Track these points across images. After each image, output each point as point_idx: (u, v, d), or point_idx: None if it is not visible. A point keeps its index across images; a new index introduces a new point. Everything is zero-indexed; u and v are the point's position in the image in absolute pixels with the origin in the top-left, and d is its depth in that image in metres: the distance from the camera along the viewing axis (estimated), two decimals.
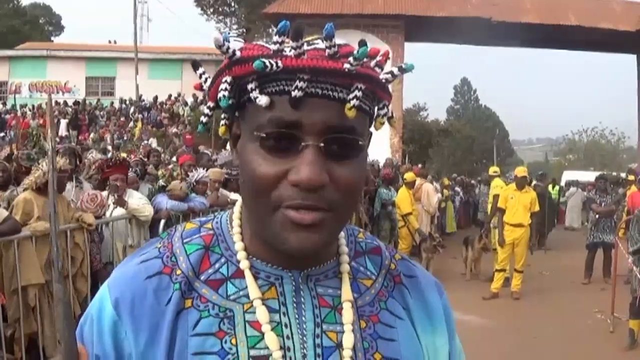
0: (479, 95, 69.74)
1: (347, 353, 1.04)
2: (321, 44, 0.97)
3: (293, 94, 0.94)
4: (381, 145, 21.89)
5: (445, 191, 19.28)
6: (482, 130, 59.33)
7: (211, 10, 40.67)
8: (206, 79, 1.06)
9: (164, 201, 7.70)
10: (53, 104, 1.21)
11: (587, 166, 47.66)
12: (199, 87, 1.07)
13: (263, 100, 0.95)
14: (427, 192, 13.07)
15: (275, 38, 0.96)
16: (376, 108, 1.05)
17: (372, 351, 1.07)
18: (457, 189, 22.08)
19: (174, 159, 12.90)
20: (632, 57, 28.17)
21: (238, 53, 0.97)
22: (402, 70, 1.01)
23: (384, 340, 1.09)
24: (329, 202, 0.97)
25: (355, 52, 0.94)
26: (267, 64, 0.93)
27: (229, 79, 0.98)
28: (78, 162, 8.67)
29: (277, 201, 0.97)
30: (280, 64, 0.94)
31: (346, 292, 1.09)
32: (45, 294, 5.81)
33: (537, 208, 10.93)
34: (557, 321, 8.95)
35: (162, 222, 7.43)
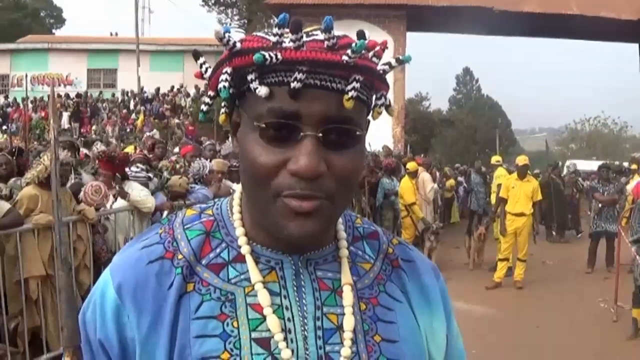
0: (481, 84, 69.58)
1: (347, 335, 1.05)
2: (320, 35, 0.98)
3: (292, 85, 0.95)
4: (383, 135, 21.85)
5: (450, 181, 19.25)
6: (485, 119, 59.17)
7: (212, 1, 40.67)
8: (206, 69, 1.07)
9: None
10: (55, 96, 1.21)
11: (590, 155, 47.56)
12: (200, 76, 1.08)
13: (263, 91, 0.96)
14: (423, 181, 13.04)
15: (275, 30, 0.98)
16: (374, 98, 1.06)
17: (372, 333, 1.09)
18: (460, 178, 22.02)
19: (176, 149, 12.90)
20: (634, 46, 28.13)
21: (238, 45, 0.99)
22: (400, 62, 1.03)
23: (383, 322, 1.11)
24: (326, 191, 0.98)
25: (353, 45, 0.95)
26: (267, 56, 0.94)
27: (229, 70, 1.00)
28: (77, 155, 8.68)
29: (277, 190, 0.98)
30: (279, 56, 0.95)
31: (346, 275, 1.10)
32: (48, 287, 5.83)
33: (539, 197, 10.93)
34: (560, 310, 8.96)
35: (165, 213, 7.42)
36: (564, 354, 7.32)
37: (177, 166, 8.93)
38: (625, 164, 18.83)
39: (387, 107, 1.08)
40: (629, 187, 12.09)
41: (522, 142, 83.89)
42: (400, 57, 1.03)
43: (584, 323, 8.37)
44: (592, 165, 28.92)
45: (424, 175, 13.29)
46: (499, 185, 11.60)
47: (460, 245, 13.23)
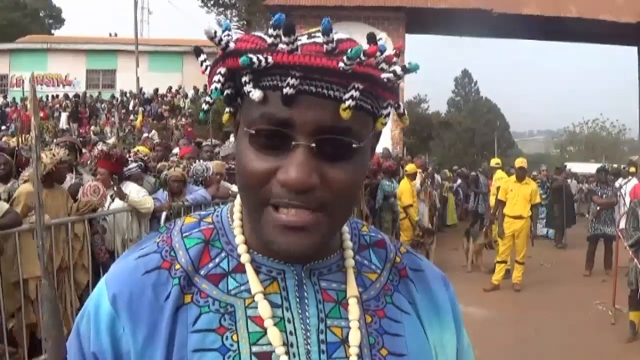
0: (479, 87, 69.54)
1: (353, 350, 1.01)
2: (321, 38, 0.93)
3: (284, 91, 0.90)
4: (382, 138, 21.74)
5: (445, 183, 19.26)
6: (483, 122, 59.20)
7: (211, 2, 40.59)
8: (207, 67, 1.02)
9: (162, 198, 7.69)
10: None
11: (588, 158, 47.56)
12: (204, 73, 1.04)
13: (256, 94, 0.92)
14: None
15: (271, 31, 0.93)
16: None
17: (378, 347, 1.05)
18: (459, 181, 22.01)
19: (176, 150, 12.89)
20: (633, 49, 28.11)
21: (232, 45, 0.95)
22: (406, 71, 0.96)
23: (390, 335, 1.07)
24: (319, 203, 0.94)
25: (348, 51, 0.89)
26: (255, 60, 0.90)
27: (222, 70, 0.96)
28: (78, 155, 8.65)
29: (265, 197, 0.95)
30: (270, 59, 0.91)
31: (352, 288, 1.06)
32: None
33: (537, 200, 10.95)
34: (558, 313, 8.95)
35: (164, 214, 7.40)
36: (562, 356, 7.33)
37: (181, 166, 8.92)
38: (623, 167, 18.81)
39: (401, 116, 1.03)
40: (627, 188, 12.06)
41: (521, 144, 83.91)
42: (407, 66, 0.96)
43: (582, 326, 8.36)
44: (590, 168, 28.93)
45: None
46: (499, 188, 11.61)
47: (459, 247, 13.22)
